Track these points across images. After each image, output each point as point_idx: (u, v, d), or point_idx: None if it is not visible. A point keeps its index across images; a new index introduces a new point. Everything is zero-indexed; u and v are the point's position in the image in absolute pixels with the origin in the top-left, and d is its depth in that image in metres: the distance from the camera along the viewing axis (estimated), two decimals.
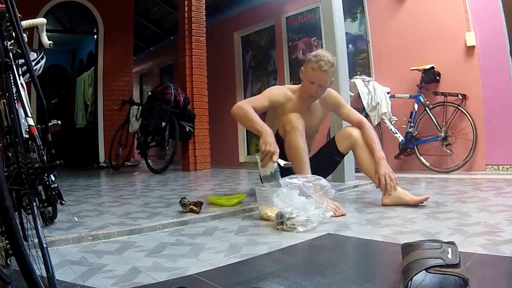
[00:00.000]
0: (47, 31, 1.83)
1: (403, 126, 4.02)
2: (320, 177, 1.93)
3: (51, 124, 1.91)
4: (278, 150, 1.92)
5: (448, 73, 3.84)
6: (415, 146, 3.90)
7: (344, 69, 3.20)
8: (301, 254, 1.39)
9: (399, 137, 3.97)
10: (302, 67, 2.30)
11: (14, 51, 1.20)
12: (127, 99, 5.52)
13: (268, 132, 1.97)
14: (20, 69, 1.34)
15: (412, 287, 0.91)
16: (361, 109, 4.13)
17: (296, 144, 2.12)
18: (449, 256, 0.92)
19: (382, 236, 1.50)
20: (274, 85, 5.67)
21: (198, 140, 5.10)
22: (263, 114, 2.26)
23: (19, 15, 1.19)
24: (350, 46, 4.62)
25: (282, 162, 1.97)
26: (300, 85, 2.35)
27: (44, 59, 1.87)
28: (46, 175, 1.15)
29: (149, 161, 5.10)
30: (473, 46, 3.67)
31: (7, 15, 1.17)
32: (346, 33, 3.60)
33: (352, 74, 4.28)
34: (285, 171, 2.02)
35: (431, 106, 3.78)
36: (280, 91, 2.37)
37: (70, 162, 5.88)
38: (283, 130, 2.20)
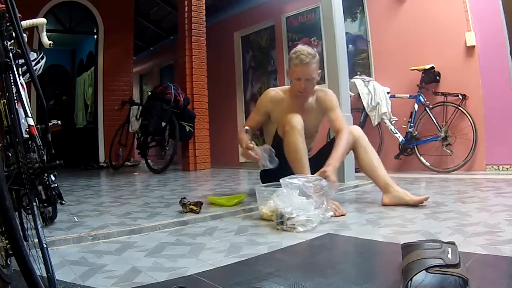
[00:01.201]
0: (47, 31, 1.83)
1: (403, 126, 4.01)
2: (320, 177, 1.93)
3: (51, 124, 1.90)
4: (250, 146, 2.11)
5: (448, 73, 3.84)
6: (415, 146, 3.90)
7: (344, 69, 3.20)
8: (301, 254, 1.39)
9: (399, 137, 3.97)
10: (287, 68, 2.32)
11: (14, 51, 1.20)
12: (127, 99, 5.51)
13: (240, 135, 2.27)
14: (20, 69, 1.33)
15: (412, 287, 0.91)
16: (361, 109, 4.14)
17: (295, 144, 2.12)
18: (449, 256, 0.92)
19: (382, 236, 1.50)
20: (274, 85, 5.70)
21: (198, 140, 5.10)
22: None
23: (19, 15, 1.19)
24: (350, 46, 4.62)
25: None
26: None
27: (44, 59, 1.87)
28: (46, 175, 1.15)
29: (149, 161, 5.09)
30: (473, 46, 3.67)
31: (7, 15, 1.17)
32: (346, 33, 3.59)
33: (352, 74, 4.28)
34: (286, 171, 2.02)
35: (431, 106, 3.78)
36: (266, 98, 2.43)
37: (70, 162, 5.87)
38: (282, 130, 2.20)
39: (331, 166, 1.99)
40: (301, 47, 2.25)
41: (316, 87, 2.38)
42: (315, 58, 2.21)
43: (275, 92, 2.42)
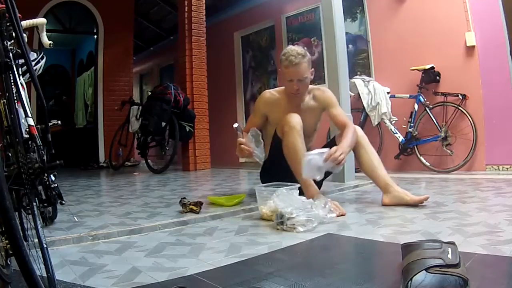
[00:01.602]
0: (47, 31, 1.83)
1: (403, 126, 4.01)
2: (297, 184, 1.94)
3: (51, 124, 1.91)
4: (242, 140, 2.14)
5: (448, 73, 3.84)
6: (415, 146, 3.90)
7: (344, 69, 3.20)
8: (301, 254, 1.39)
9: (399, 137, 3.97)
10: (279, 70, 2.32)
11: (14, 51, 1.20)
12: (127, 99, 5.51)
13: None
14: (20, 69, 1.34)
15: (412, 287, 0.91)
16: (361, 109, 4.14)
17: (295, 144, 2.11)
18: (449, 256, 0.92)
19: (382, 236, 1.50)
20: (274, 85, 5.70)
21: (198, 140, 5.10)
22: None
23: (19, 15, 1.19)
24: (350, 46, 4.62)
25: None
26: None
27: (44, 59, 1.87)
28: (46, 175, 1.15)
29: (149, 161, 5.09)
30: (473, 46, 3.67)
31: (7, 15, 1.17)
32: (346, 33, 3.59)
33: (352, 74, 4.28)
34: (286, 171, 2.02)
35: (431, 106, 3.78)
36: (261, 101, 2.43)
37: (70, 162, 5.87)
38: (281, 131, 2.20)
39: (342, 148, 1.98)
40: (290, 48, 2.23)
41: (312, 86, 2.38)
42: (305, 57, 2.19)
43: (270, 94, 2.42)
